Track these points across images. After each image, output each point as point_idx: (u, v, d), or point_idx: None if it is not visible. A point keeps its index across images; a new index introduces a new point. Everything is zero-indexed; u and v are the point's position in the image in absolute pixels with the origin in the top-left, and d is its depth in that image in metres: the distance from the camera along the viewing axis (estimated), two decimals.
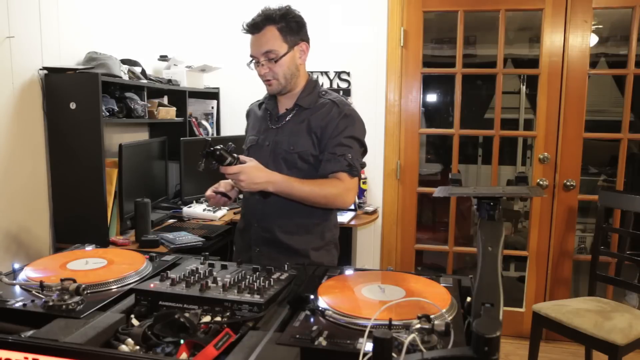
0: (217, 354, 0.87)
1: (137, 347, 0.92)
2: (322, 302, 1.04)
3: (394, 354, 0.77)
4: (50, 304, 1.01)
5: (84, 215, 2.38)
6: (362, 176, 3.17)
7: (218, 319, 1.00)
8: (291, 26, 1.64)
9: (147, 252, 1.38)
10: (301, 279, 1.23)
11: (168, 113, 2.98)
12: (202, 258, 1.31)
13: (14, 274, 1.23)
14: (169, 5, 3.40)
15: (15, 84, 2.22)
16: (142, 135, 3.20)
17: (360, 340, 0.89)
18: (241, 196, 1.87)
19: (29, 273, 1.20)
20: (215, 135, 3.47)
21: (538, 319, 2.54)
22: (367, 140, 1.73)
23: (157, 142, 3.03)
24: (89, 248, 1.45)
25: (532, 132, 3.26)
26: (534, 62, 3.20)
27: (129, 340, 0.92)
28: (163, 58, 3.24)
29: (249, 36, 1.67)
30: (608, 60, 4.37)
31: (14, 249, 2.25)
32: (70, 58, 2.52)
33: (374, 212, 3.08)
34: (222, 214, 2.88)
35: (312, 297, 1.06)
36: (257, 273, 1.21)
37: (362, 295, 1.10)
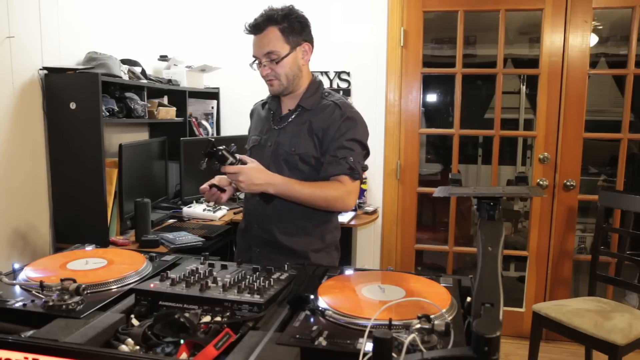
0: (217, 354, 0.87)
1: (137, 347, 0.92)
2: (322, 302, 1.04)
3: (394, 354, 0.77)
4: (50, 304, 1.01)
5: (84, 215, 2.38)
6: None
7: (218, 319, 1.00)
8: (294, 26, 1.63)
9: (147, 252, 1.38)
10: (301, 279, 1.23)
11: (168, 113, 2.98)
12: (202, 258, 1.31)
13: (14, 274, 1.23)
14: (169, 5, 3.40)
15: (15, 84, 2.22)
16: (142, 135, 3.20)
17: (360, 340, 0.89)
18: (242, 196, 1.87)
19: (29, 273, 1.20)
20: (215, 135, 3.47)
21: (538, 319, 2.54)
22: (369, 149, 1.72)
23: (157, 142, 3.03)
24: (89, 248, 1.45)
25: (532, 132, 3.26)
26: (534, 62, 3.20)
27: (129, 340, 0.92)
28: (163, 58, 3.24)
29: (249, 36, 1.67)
30: (608, 60, 4.37)
31: (14, 249, 2.25)
32: (70, 58, 2.52)
33: (374, 212, 3.08)
34: (222, 214, 2.88)
35: (312, 297, 1.06)
36: (257, 273, 1.21)
37: (362, 295, 1.10)
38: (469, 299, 1.07)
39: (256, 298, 1.03)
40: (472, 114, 4.56)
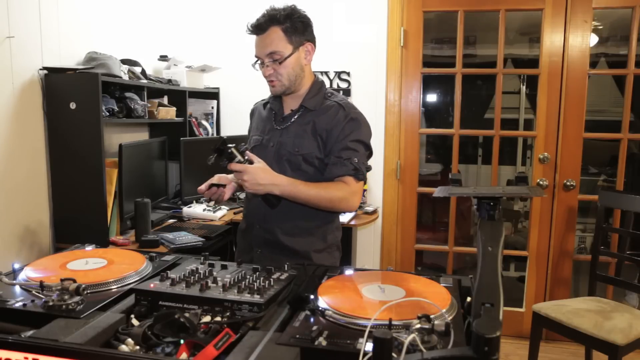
0: (217, 354, 0.87)
1: (137, 347, 0.92)
2: (322, 302, 1.04)
3: (394, 354, 0.77)
4: (50, 304, 1.01)
5: (84, 215, 2.38)
6: None
7: (218, 319, 1.00)
8: (296, 26, 1.62)
9: (147, 252, 1.38)
10: (301, 279, 1.23)
11: (168, 113, 2.98)
12: (202, 258, 1.31)
13: (14, 274, 1.23)
14: (169, 5, 3.40)
15: (15, 84, 2.22)
16: (142, 135, 3.20)
17: (360, 340, 0.89)
18: (242, 196, 1.87)
19: (29, 273, 1.20)
20: (215, 135, 3.47)
21: (538, 319, 2.54)
22: (372, 150, 1.72)
23: (157, 142, 3.03)
24: (89, 248, 1.45)
25: (532, 132, 3.26)
26: (534, 62, 3.20)
27: (129, 340, 0.92)
28: (163, 58, 3.24)
29: (249, 36, 1.66)
30: (608, 60, 4.37)
31: (14, 249, 2.25)
32: (70, 58, 2.52)
33: (374, 212, 3.08)
34: (222, 214, 2.88)
35: (312, 297, 1.06)
36: (257, 273, 1.21)
37: (362, 295, 1.10)
38: (469, 299, 1.07)
39: (256, 298, 1.03)
40: (472, 114, 4.56)
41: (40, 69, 2.33)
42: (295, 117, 1.70)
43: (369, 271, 1.32)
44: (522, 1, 3.05)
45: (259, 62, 1.66)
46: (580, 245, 3.89)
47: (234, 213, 2.94)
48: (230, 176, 1.71)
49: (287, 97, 1.72)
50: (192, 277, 1.14)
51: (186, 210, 2.91)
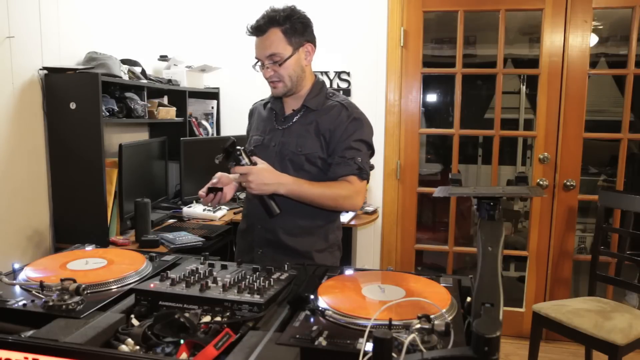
0: (217, 354, 0.87)
1: (137, 347, 0.92)
2: (322, 302, 1.04)
3: (394, 354, 0.77)
4: (50, 304, 1.01)
5: (84, 215, 2.38)
6: None
7: (218, 319, 1.00)
8: (296, 27, 1.61)
9: (147, 252, 1.38)
10: (301, 279, 1.23)
11: (168, 113, 2.98)
12: (202, 258, 1.31)
13: (14, 274, 1.23)
14: (169, 5, 3.40)
15: (15, 84, 2.22)
16: (142, 135, 3.20)
17: (360, 340, 0.89)
18: (242, 196, 1.87)
19: (29, 273, 1.20)
20: (215, 135, 3.48)
21: (538, 319, 2.54)
22: (374, 149, 1.72)
23: (157, 142, 3.03)
24: (89, 248, 1.45)
25: (532, 132, 3.26)
26: (534, 62, 3.20)
27: (129, 340, 0.92)
28: (163, 58, 3.24)
29: (249, 36, 1.66)
30: (608, 60, 4.37)
31: (14, 249, 2.25)
32: (70, 58, 2.52)
33: (374, 212, 3.08)
34: (222, 214, 2.88)
35: (312, 297, 1.06)
36: (257, 273, 1.21)
37: (362, 295, 1.10)
38: (469, 299, 1.07)
39: (256, 298, 1.03)
40: (472, 114, 4.56)
41: (40, 69, 2.33)
42: (297, 117, 1.70)
43: (369, 271, 1.32)
44: (522, 1, 3.05)
45: (259, 63, 1.66)
46: (580, 245, 3.89)
47: (234, 213, 2.94)
48: (233, 176, 1.71)
49: (288, 97, 1.72)
50: (192, 277, 1.14)
51: (186, 210, 2.91)
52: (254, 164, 1.50)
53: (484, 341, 0.72)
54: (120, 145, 2.47)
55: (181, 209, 2.94)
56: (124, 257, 1.34)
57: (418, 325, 0.88)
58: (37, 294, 1.08)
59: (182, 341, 0.93)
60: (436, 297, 1.06)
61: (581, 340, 2.41)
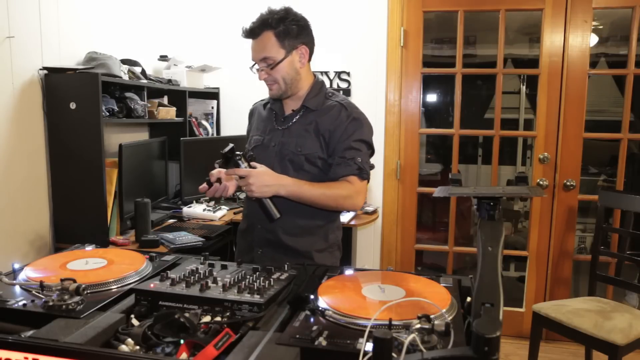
0: (217, 354, 0.87)
1: (137, 347, 0.92)
2: (322, 302, 1.04)
3: (394, 354, 0.77)
4: (50, 304, 1.01)
5: (84, 215, 2.38)
6: None
7: (218, 319, 1.00)
8: (289, 30, 1.61)
9: (147, 252, 1.38)
10: (301, 279, 1.23)
11: (168, 113, 2.98)
12: (202, 258, 1.31)
13: (14, 274, 1.23)
14: (169, 5, 3.40)
15: (15, 84, 2.22)
16: (142, 135, 3.20)
17: (360, 340, 0.89)
18: (242, 196, 1.86)
19: (29, 273, 1.20)
20: (215, 135, 3.48)
21: (538, 319, 2.54)
22: (374, 148, 1.72)
23: (157, 142, 3.03)
24: (89, 248, 1.45)
25: (532, 132, 3.26)
26: (534, 62, 3.20)
27: (129, 340, 0.92)
28: (163, 58, 3.24)
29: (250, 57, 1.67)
30: (608, 60, 4.36)
31: (14, 249, 2.25)
32: (70, 58, 2.52)
33: (374, 212, 3.08)
34: (222, 214, 2.88)
35: (312, 297, 1.06)
36: (257, 273, 1.21)
37: (362, 295, 1.10)
38: (469, 299, 1.07)
39: (256, 298, 1.03)
40: (472, 114, 4.56)
41: (40, 69, 2.33)
42: (297, 117, 1.70)
43: (369, 271, 1.32)
44: (522, 1, 3.05)
45: (255, 66, 1.66)
46: (580, 245, 3.89)
47: (234, 213, 2.94)
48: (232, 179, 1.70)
49: (291, 97, 1.72)
50: (192, 277, 1.14)
51: (186, 210, 2.91)
52: (254, 168, 1.51)
53: (484, 341, 0.72)
54: (120, 145, 2.47)
55: (181, 209, 2.94)
56: (124, 257, 1.34)
57: (418, 325, 0.88)
58: (37, 294, 1.08)
59: (182, 341, 0.93)
60: (436, 297, 1.06)
61: (581, 340, 2.41)
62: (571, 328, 2.38)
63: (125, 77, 2.66)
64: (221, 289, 1.07)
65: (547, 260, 3.15)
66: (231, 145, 1.50)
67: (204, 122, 3.43)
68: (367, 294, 1.11)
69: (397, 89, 3.21)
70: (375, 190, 3.29)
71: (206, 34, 3.46)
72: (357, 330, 0.94)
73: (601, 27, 4.14)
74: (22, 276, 1.19)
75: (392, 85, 3.22)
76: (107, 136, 2.63)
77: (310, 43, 1.68)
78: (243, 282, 1.12)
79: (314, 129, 1.66)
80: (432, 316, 0.90)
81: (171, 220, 2.82)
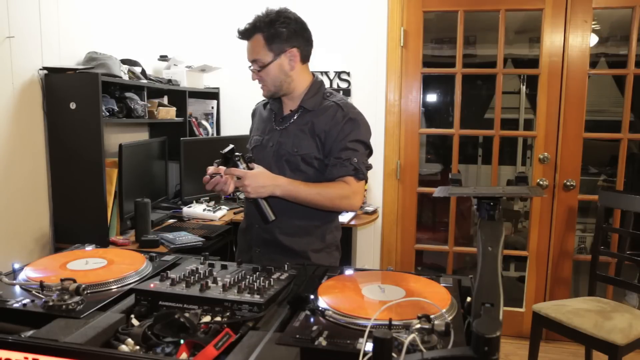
0: (217, 354, 0.87)
1: (137, 347, 0.92)
2: (322, 302, 1.04)
3: (394, 354, 0.77)
4: (50, 304, 1.01)
5: (84, 215, 2.38)
6: None
7: (218, 319, 1.00)
8: (278, 33, 1.61)
9: (147, 252, 1.38)
10: (301, 279, 1.23)
11: (168, 113, 2.98)
12: (202, 258, 1.31)
13: (14, 274, 1.23)
14: (169, 5, 3.40)
15: (15, 84, 2.22)
16: (142, 135, 3.20)
17: (360, 340, 0.89)
18: (242, 196, 1.87)
19: (29, 273, 1.20)
20: (215, 135, 3.48)
21: (538, 319, 2.54)
22: (372, 148, 1.72)
23: (157, 142, 3.03)
24: (89, 248, 1.45)
25: (532, 132, 3.26)
26: (534, 62, 3.20)
27: (129, 340, 0.92)
28: (163, 58, 3.24)
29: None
30: (608, 60, 4.37)
31: (14, 249, 2.25)
32: (70, 58, 2.52)
33: (374, 212, 3.08)
34: (222, 214, 2.88)
35: (312, 297, 1.06)
36: (257, 273, 1.21)
37: (362, 295, 1.10)
38: (469, 299, 1.07)
39: (256, 298, 1.03)
40: (472, 114, 4.56)
41: (40, 69, 2.33)
42: (295, 117, 1.70)
43: (369, 271, 1.32)
44: (522, 1, 3.05)
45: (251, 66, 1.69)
46: (580, 245, 3.89)
47: (234, 213, 2.94)
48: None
49: (286, 97, 1.73)
50: (192, 277, 1.14)
51: (186, 210, 2.91)
52: (251, 169, 1.53)
53: (484, 341, 0.72)
54: (120, 145, 2.47)
55: (181, 209, 2.94)
56: (124, 257, 1.34)
57: (418, 325, 0.88)
58: (37, 294, 1.08)
59: (182, 341, 0.93)
60: (436, 297, 1.06)
61: (581, 340, 2.41)
62: (571, 328, 2.37)
63: (125, 77, 2.66)
64: (221, 289, 1.07)
65: (547, 260, 3.15)
66: (231, 146, 1.52)
67: (204, 122, 3.43)
68: (367, 294, 1.11)
69: (397, 89, 3.21)
70: (375, 190, 3.30)
71: (206, 34, 3.46)
72: (357, 330, 0.94)
73: (601, 27, 4.14)
74: (22, 276, 1.19)
75: (392, 85, 3.22)
76: (107, 136, 2.63)
77: (303, 46, 1.67)
78: (243, 282, 1.12)
79: (310, 129, 1.66)
80: (432, 316, 0.90)
81: (171, 220, 2.82)
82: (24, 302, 1.04)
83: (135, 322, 1.00)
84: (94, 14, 2.71)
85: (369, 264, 3.32)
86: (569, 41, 2.98)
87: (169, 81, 3.11)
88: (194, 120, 3.31)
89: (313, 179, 1.64)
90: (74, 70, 2.38)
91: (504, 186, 1.16)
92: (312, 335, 0.91)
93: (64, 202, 2.41)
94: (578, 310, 2.44)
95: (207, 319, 0.99)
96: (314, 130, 1.66)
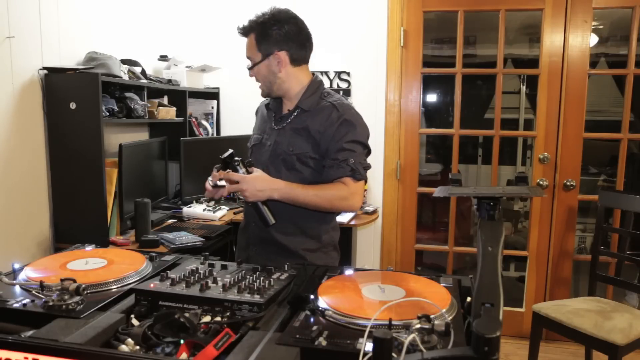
0: (217, 354, 0.87)
1: (137, 347, 0.92)
2: (322, 302, 1.04)
3: (394, 354, 0.77)
4: (50, 304, 1.01)
5: (84, 215, 2.38)
6: None
7: (218, 319, 1.00)
8: (268, 35, 1.63)
9: (147, 252, 1.38)
10: (301, 279, 1.23)
11: (168, 113, 2.98)
12: (202, 258, 1.31)
13: (14, 274, 1.23)
14: (169, 5, 3.40)
15: (15, 84, 2.22)
16: (142, 135, 3.20)
17: (360, 340, 0.89)
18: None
19: (29, 273, 1.20)
20: (215, 135, 3.48)
21: (538, 319, 2.54)
22: (370, 148, 1.72)
23: (157, 142, 3.03)
24: (89, 248, 1.45)
25: (532, 132, 3.26)
26: (534, 62, 3.20)
27: (129, 340, 0.92)
28: (163, 58, 3.24)
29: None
30: (608, 60, 4.37)
31: (14, 249, 2.25)
32: (70, 58, 2.52)
33: (374, 212, 3.08)
34: (222, 214, 2.88)
35: (312, 297, 1.06)
36: (257, 273, 1.21)
37: (362, 295, 1.10)
38: (469, 299, 1.07)
39: (256, 298, 1.03)
40: (472, 114, 4.56)
41: (40, 69, 2.33)
42: (292, 117, 1.71)
43: (369, 271, 1.32)
44: (522, 1, 3.05)
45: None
46: (580, 245, 3.89)
47: (234, 213, 2.94)
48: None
49: (285, 97, 1.74)
50: (192, 277, 1.14)
51: (186, 210, 2.91)
52: (250, 174, 1.54)
53: (484, 341, 0.72)
54: (120, 145, 2.47)
55: (181, 209, 2.94)
56: (124, 257, 1.34)
57: (418, 325, 0.88)
58: (37, 294, 1.08)
59: (182, 341, 0.93)
60: (436, 297, 1.06)
61: (581, 340, 2.41)
62: (571, 328, 2.38)
63: (125, 77, 2.66)
64: (221, 289, 1.07)
65: (547, 260, 3.15)
66: (230, 150, 1.54)
67: (204, 122, 3.43)
68: (367, 294, 1.11)
69: (397, 89, 3.21)
70: (375, 190, 3.30)
71: (206, 34, 3.46)
72: (357, 330, 0.94)
73: (601, 27, 4.14)
74: (22, 276, 1.19)
75: (392, 85, 3.22)
76: (107, 136, 2.63)
77: (294, 49, 1.66)
78: (243, 282, 1.12)
79: (305, 129, 1.67)
80: (432, 316, 0.90)
81: (171, 220, 2.81)
82: (24, 302, 1.04)
83: (135, 322, 1.00)
84: (94, 14, 2.71)
85: (369, 264, 3.32)
86: (569, 41, 2.98)
87: (169, 81, 3.11)
88: (194, 120, 3.31)
89: (309, 178, 1.64)
90: (74, 70, 2.38)
91: (504, 186, 1.16)
92: (312, 335, 0.91)
93: (64, 202, 2.41)
94: (578, 310, 2.44)
95: (207, 319, 0.99)
96: (309, 130, 1.66)
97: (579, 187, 3.07)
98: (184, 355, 0.90)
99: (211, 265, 1.24)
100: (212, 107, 3.49)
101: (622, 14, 3.66)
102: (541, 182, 3.11)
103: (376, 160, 3.23)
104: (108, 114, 2.47)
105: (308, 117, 1.68)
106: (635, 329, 2.28)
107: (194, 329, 0.93)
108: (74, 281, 1.06)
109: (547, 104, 3.05)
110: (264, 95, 1.76)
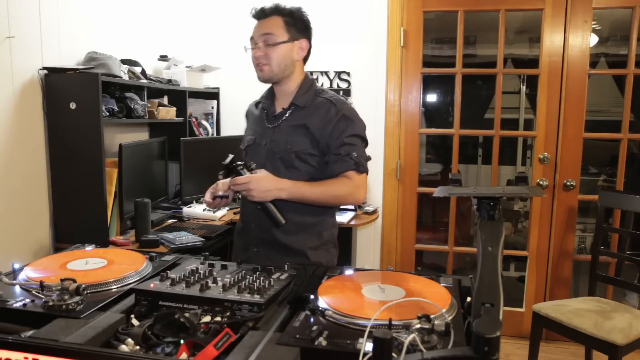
0: (217, 354, 0.87)
1: (137, 347, 0.92)
2: (322, 302, 1.04)
3: (394, 354, 0.77)
4: (50, 304, 1.01)
5: (84, 215, 2.38)
6: None
7: (218, 319, 1.00)
8: (296, 22, 1.67)
9: (147, 252, 1.38)
10: (301, 278, 1.23)
11: (168, 113, 2.98)
12: (202, 258, 1.31)
13: (14, 274, 1.23)
14: (169, 5, 3.40)
15: (15, 84, 2.22)
16: (142, 135, 3.20)
17: (360, 340, 0.89)
18: (240, 196, 1.87)
19: (29, 273, 1.20)
20: (215, 135, 3.48)
21: (538, 319, 2.54)
22: (367, 140, 1.74)
23: (157, 142, 3.03)
24: (89, 248, 1.45)
25: (532, 132, 3.26)
26: (534, 62, 3.21)
27: (129, 340, 0.92)
28: (163, 58, 3.24)
29: (249, 36, 1.70)
30: (608, 60, 4.37)
31: (14, 249, 2.25)
32: (70, 58, 2.52)
33: (374, 212, 3.08)
34: (222, 214, 2.88)
35: (312, 297, 1.06)
36: (257, 273, 1.21)
37: (362, 295, 1.10)
38: (469, 299, 1.07)
39: (256, 298, 1.03)
40: (472, 114, 4.56)
41: (40, 69, 2.33)
42: (287, 115, 1.71)
43: (369, 271, 1.32)
44: (522, 1, 3.05)
45: (252, 45, 1.69)
46: (580, 245, 3.89)
47: (234, 213, 2.94)
48: (226, 182, 1.71)
49: (279, 95, 1.75)
50: (192, 277, 1.14)
51: (186, 210, 2.91)
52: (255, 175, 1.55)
53: (484, 341, 0.72)
54: (120, 145, 2.47)
55: (181, 209, 2.94)
56: (124, 257, 1.34)
57: (418, 325, 0.88)
58: (37, 294, 1.08)
59: (182, 341, 0.93)
60: (436, 297, 1.06)
61: (581, 340, 2.41)
62: (571, 328, 2.38)
63: (125, 77, 2.66)
64: (221, 289, 1.07)
65: (547, 260, 3.15)
66: (231, 156, 1.55)
67: (204, 122, 3.43)
68: (367, 294, 1.11)
69: (397, 89, 3.21)
70: (375, 190, 3.29)
71: (206, 34, 3.46)
72: (357, 330, 0.94)
73: (601, 27, 4.14)
74: (22, 276, 1.19)
75: (392, 85, 3.22)
76: (107, 136, 2.63)
77: (310, 42, 1.73)
78: (243, 282, 1.12)
79: (303, 126, 1.67)
80: (432, 316, 0.90)
81: (171, 220, 2.81)
82: (24, 302, 1.04)
83: (135, 322, 1.00)
84: (94, 14, 2.71)
85: (369, 264, 3.32)
86: (569, 41, 2.98)
87: (169, 81, 3.11)
88: (194, 120, 3.31)
89: (308, 175, 1.65)
90: (74, 70, 2.38)
91: (504, 186, 1.16)
92: (312, 335, 0.91)
93: (64, 202, 2.41)
94: (578, 310, 2.44)
95: (207, 319, 0.99)
96: (307, 127, 1.67)
97: (579, 187, 3.07)
98: (184, 355, 0.90)
99: (211, 265, 1.24)
100: (212, 107, 3.49)
101: (622, 14, 3.66)
102: (541, 182, 3.11)
103: (376, 160, 3.23)
104: (108, 114, 2.47)
105: (305, 114, 1.68)
106: (635, 329, 2.28)
107: (194, 329, 0.93)
108: (74, 281, 1.06)
109: (547, 104, 3.05)
110: (265, 78, 1.70)
